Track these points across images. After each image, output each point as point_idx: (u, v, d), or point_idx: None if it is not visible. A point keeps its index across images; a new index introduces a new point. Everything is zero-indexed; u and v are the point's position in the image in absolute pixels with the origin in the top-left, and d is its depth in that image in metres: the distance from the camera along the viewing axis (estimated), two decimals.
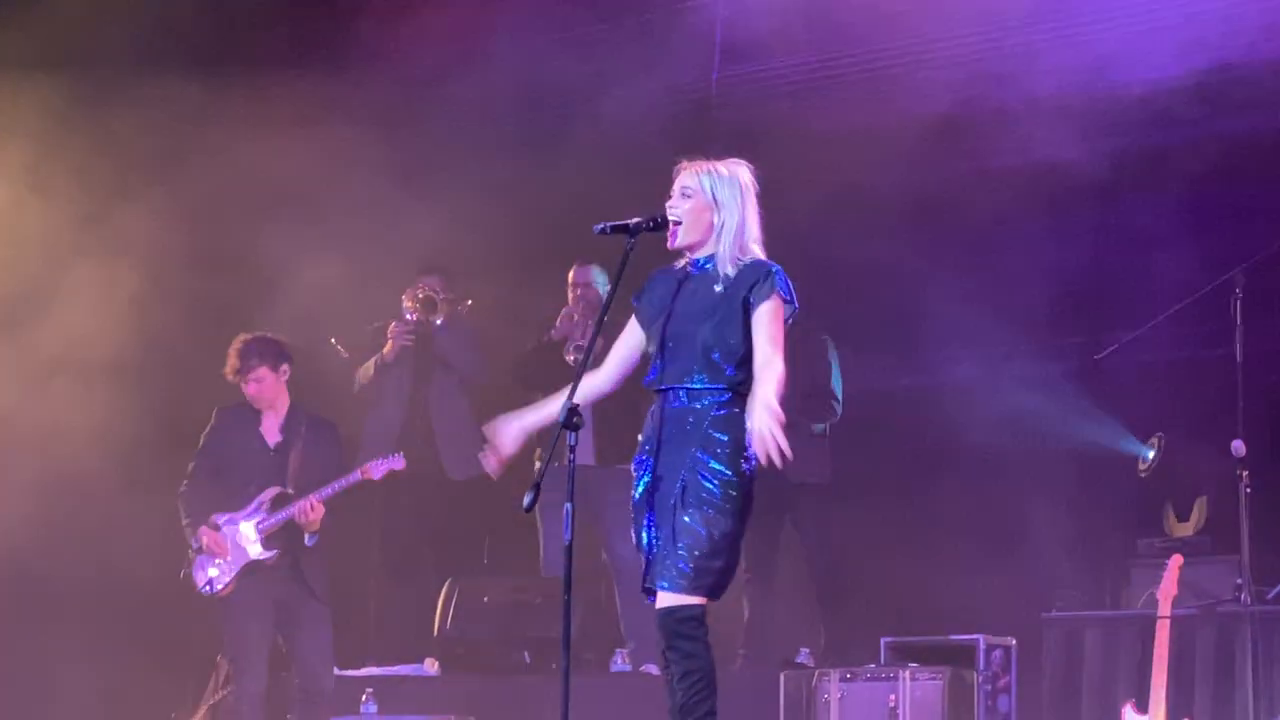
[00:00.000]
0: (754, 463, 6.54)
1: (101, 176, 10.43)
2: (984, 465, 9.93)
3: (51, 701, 10.39)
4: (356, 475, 8.92)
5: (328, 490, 8.87)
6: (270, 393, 9.02)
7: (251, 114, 10.38)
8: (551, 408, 6.65)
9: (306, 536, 8.89)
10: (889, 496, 10.17)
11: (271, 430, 9.05)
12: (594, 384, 6.77)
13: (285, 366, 9.05)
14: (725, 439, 6.54)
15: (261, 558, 8.91)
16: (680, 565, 6.47)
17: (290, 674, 9.22)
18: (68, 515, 10.47)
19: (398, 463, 9.01)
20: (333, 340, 10.50)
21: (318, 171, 10.37)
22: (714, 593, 6.54)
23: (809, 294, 6.86)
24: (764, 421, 6.34)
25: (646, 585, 6.62)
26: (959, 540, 9.76)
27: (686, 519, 6.47)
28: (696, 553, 6.46)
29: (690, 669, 6.48)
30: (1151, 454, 9.59)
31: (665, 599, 6.50)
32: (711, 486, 6.50)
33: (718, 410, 6.55)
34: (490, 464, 6.81)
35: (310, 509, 8.82)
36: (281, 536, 8.92)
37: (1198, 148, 9.60)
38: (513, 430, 6.78)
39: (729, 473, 6.51)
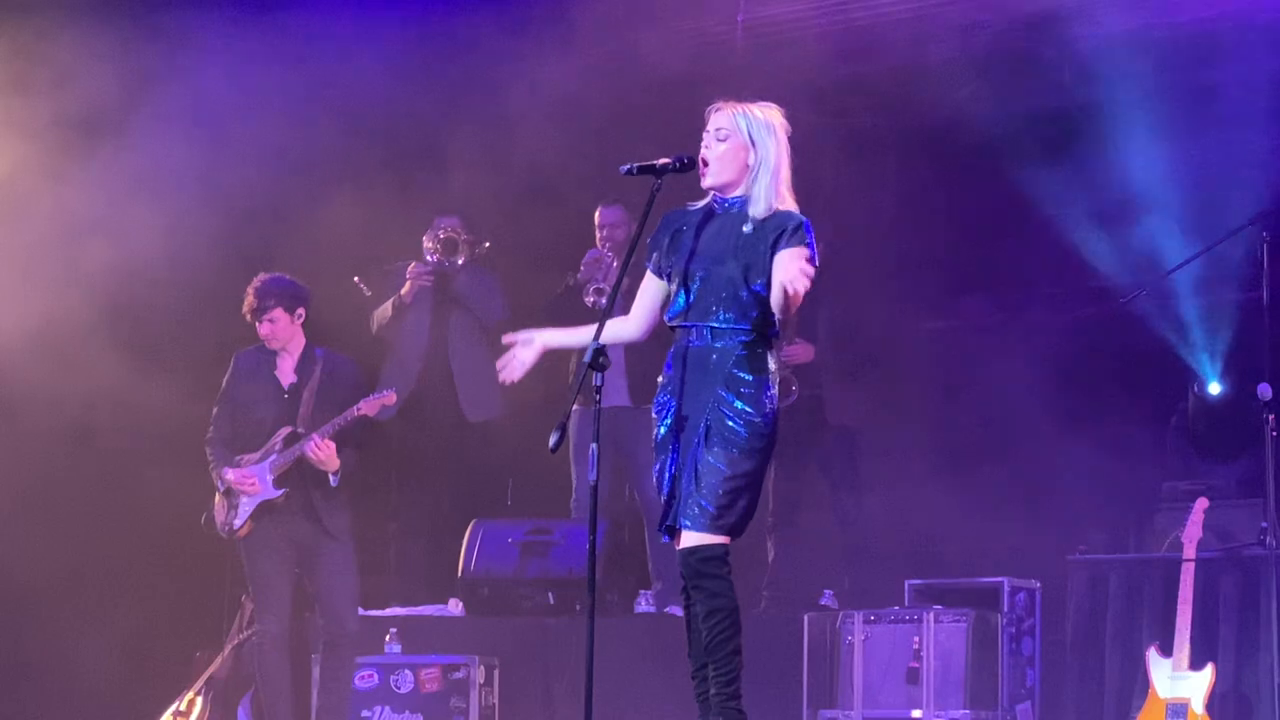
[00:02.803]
0: (777, 402, 6.56)
1: (110, 113, 10.38)
2: (1009, 408, 9.92)
3: (79, 640, 10.43)
4: (352, 412, 8.89)
5: (328, 428, 8.85)
6: (284, 334, 9.01)
7: (268, 48, 10.34)
8: (579, 335, 6.70)
9: (330, 477, 8.88)
10: (915, 439, 10.16)
11: (286, 371, 9.05)
12: (620, 331, 6.81)
13: (301, 310, 9.01)
14: (750, 378, 6.53)
15: (270, 496, 8.90)
16: (703, 504, 6.48)
17: (316, 615, 9.23)
18: (90, 457, 10.48)
19: (388, 398, 8.94)
20: (355, 279, 10.49)
21: (335, 110, 10.35)
22: (735, 532, 6.55)
23: (835, 236, 6.83)
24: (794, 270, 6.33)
25: (666, 525, 6.62)
26: (984, 483, 9.76)
27: (710, 459, 6.48)
28: (720, 492, 6.47)
29: (714, 608, 6.49)
30: (1218, 388, 9.59)
31: (688, 538, 6.52)
32: (736, 426, 6.50)
33: (741, 350, 6.55)
34: (506, 372, 6.78)
35: (317, 447, 8.80)
36: (293, 476, 8.90)
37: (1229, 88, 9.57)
38: (533, 344, 6.75)
39: (753, 412, 6.51)
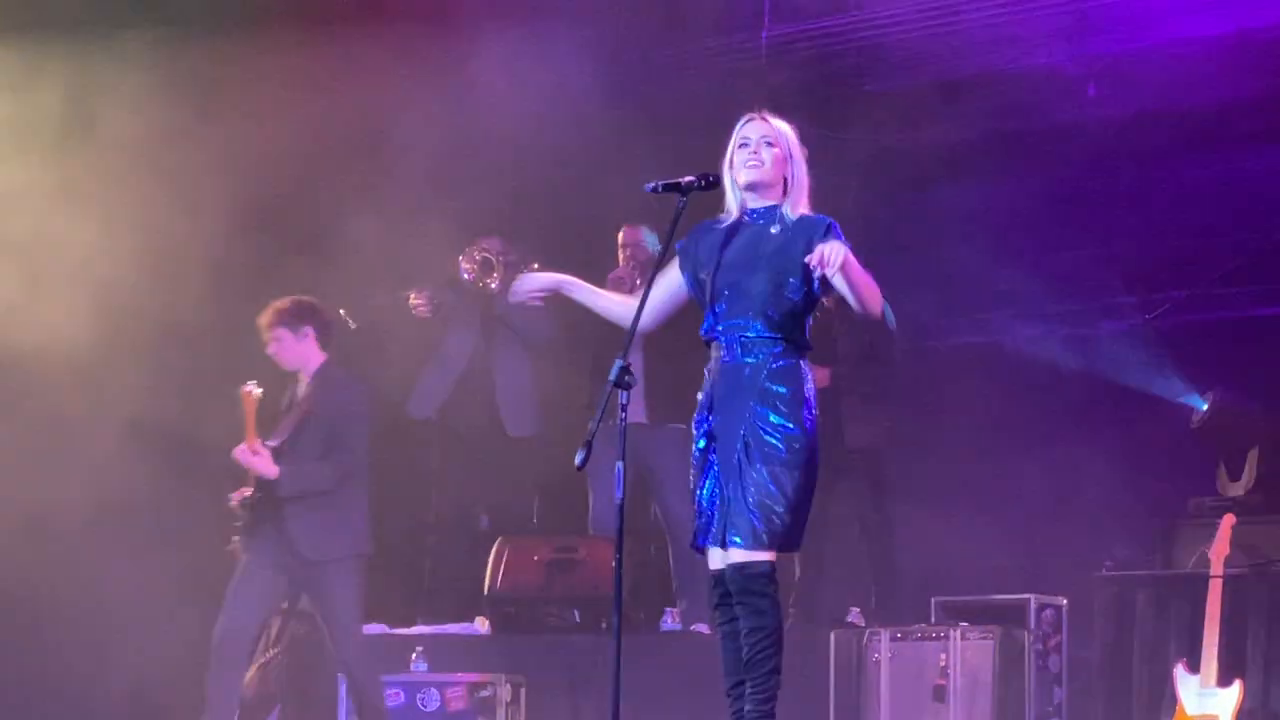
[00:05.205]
0: (815, 415, 6.57)
1: (140, 135, 10.40)
2: (1036, 425, 9.92)
3: (105, 657, 10.43)
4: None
5: (258, 438, 8.81)
6: (291, 353, 8.97)
7: (303, 71, 10.36)
8: (596, 298, 6.87)
9: (281, 485, 8.79)
10: (939, 457, 10.16)
11: (303, 389, 9.06)
12: (621, 310, 6.83)
13: (307, 327, 9.00)
14: (784, 391, 6.54)
15: (234, 502, 8.93)
16: (754, 522, 6.46)
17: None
18: (119, 479, 10.49)
19: (248, 387, 8.89)
20: (341, 311, 10.49)
21: (372, 132, 10.37)
22: (787, 546, 6.56)
23: (861, 253, 6.83)
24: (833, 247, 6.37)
25: (700, 542, 6.62)
26: (1010, 499, 9.75)
27: (755, 475, 6.48)
28: (769, 508, 6.47)
29: (759, 625, 6.50)
30: (1205, 406, 9.57)
31: (736, 554, 6.51)
32: (775, 440, 6.50)
33: (775, 362, 6.55)
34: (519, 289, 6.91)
35: (242, 451, 8.78)
36: (265, 500, 8.83)
37: (1254, 107, 9.56)
38: (547, 280, 6.97)
39: (791, 425, 6.52)
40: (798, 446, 6.52)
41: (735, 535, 6.51)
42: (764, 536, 6.48)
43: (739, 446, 6.51)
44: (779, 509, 6.48)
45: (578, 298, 6.93)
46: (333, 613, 8.87)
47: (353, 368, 9.28)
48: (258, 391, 8.78)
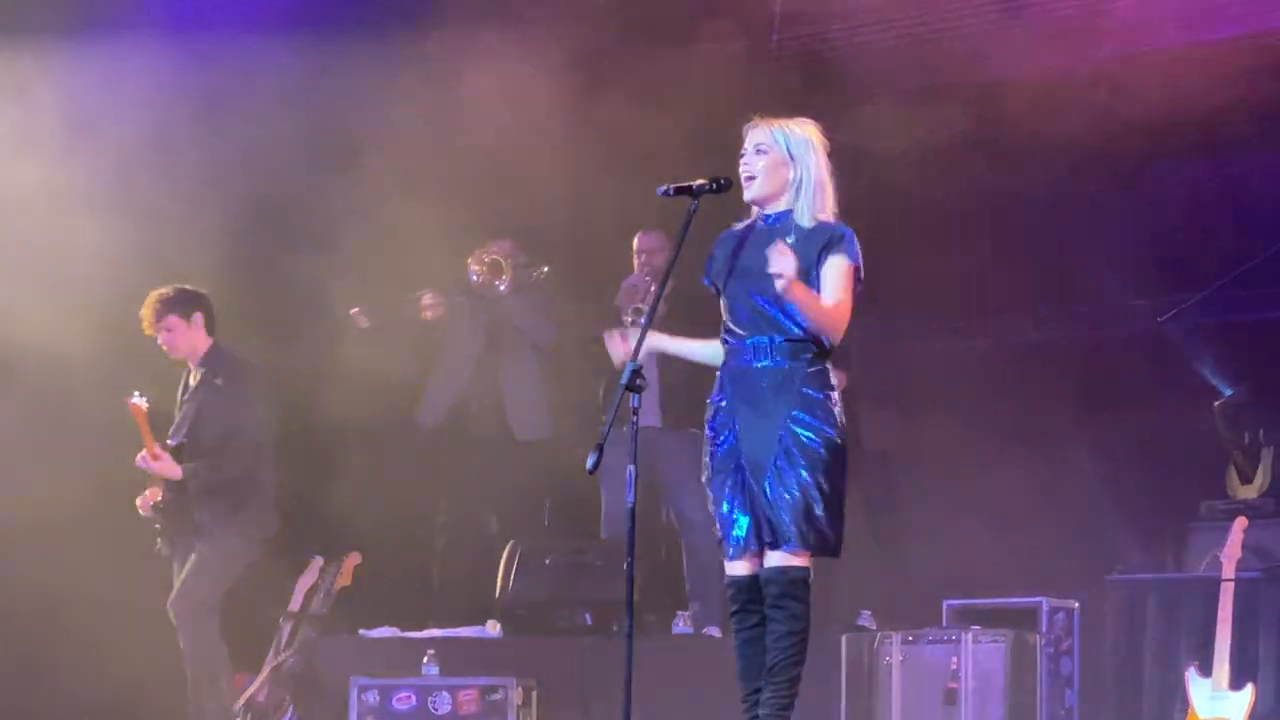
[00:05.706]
0: (844, 418, 6.58)
1: (139, 132, 10.40)
2: (1047, 428, 9.91)
3: (114, 660, 10.44)
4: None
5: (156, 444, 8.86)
6: (183, 341, 9.04)
7: (304, 72, 10.36)
8: (687, 350, 6.76)
9: (188, 485, 8.87)
10: (950, 460, 10.15)
11: (194, 378, 9.08)
12: (714, 354, 6.76)
13: (198, 314, 9.02)
14: (820, 396, 6.54)
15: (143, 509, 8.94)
16: (800, 525, 6.46)
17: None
18: (112, 474, 10.49)
19: (133, 400, 8.93)
20: (353, 312, 10.50)
21: (376, 133, 10.37)
22: (833, 550, 6.57)
23: (865, 255, 6.82)
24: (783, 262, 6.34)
25: (760, 542, 6.56)
26: (1021, 502, 9.74)
27: (800, 478, 6.47)
28: (814, 511, 6.48)
29: (793, 629, 6.52)
30: (1230, 391, 9.59)
31: (779, 558, 6.51)
32: (817, 445, 6.50)
33: (808, 367, 6.55)
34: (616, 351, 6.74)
35: (143, 458, 8.79)
36: (170, 493, 8.93)
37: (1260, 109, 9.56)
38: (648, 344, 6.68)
39: (829, 429, 6.53)
40: (836, 450, 6.53)
41: (781, 538, 6.49)
42: (810, 539, 6.49)
43: (779, 451, 6.49)
44: (827, 513, 6.49)
45: (671, 350, 6.87)
46: (187, 575, 8.96)
47: (366, 368, 9.32)
48: (143, 401, 8.82)
